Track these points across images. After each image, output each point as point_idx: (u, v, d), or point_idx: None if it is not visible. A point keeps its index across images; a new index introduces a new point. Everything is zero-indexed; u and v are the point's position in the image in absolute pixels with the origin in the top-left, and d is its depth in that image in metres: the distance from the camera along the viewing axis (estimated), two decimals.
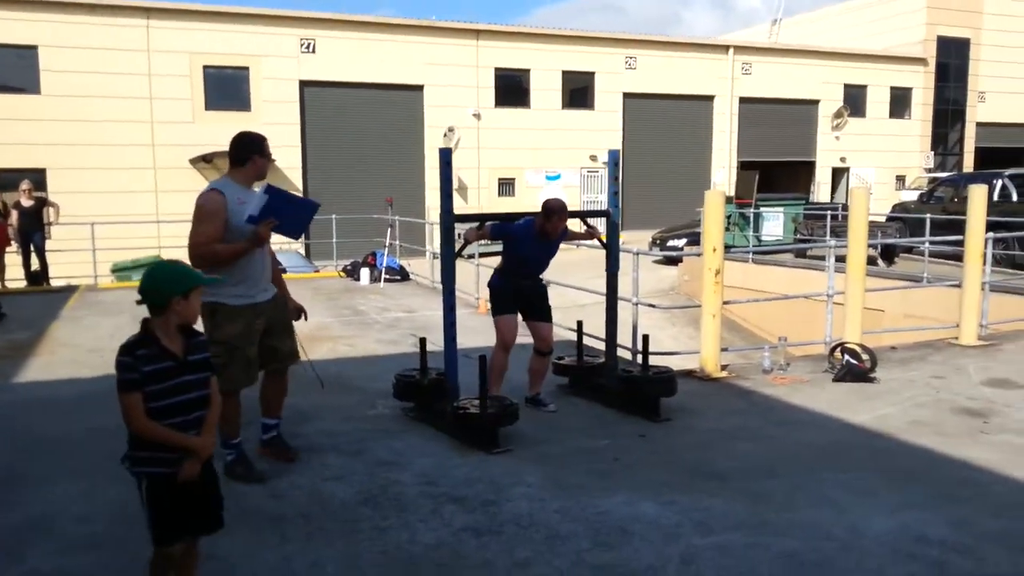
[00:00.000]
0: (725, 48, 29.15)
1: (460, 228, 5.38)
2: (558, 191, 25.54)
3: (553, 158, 26.44)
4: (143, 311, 2.69)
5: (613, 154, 5.99)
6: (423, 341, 5.83)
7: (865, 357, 6.73)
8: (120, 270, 16.68)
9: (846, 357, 6.72)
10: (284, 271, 6.00)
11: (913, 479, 4.41)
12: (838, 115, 30.77)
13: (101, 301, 11.53)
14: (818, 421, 5.60)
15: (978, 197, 8.06)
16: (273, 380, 4.63)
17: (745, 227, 19.18)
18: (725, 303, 7.16)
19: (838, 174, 31.57)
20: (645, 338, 6.01)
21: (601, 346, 6.46)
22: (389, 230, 13.98)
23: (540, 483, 4.33)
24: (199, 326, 2.88)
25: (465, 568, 3.36)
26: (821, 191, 30.96)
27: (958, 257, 8.36)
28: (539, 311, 5.80)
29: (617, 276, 6.09)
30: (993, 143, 33.72)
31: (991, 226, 8.97)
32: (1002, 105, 33.66)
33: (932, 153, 32.37)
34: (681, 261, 18.50)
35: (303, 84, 23.19)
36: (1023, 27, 33.37)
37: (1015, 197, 15.26)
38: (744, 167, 27.07)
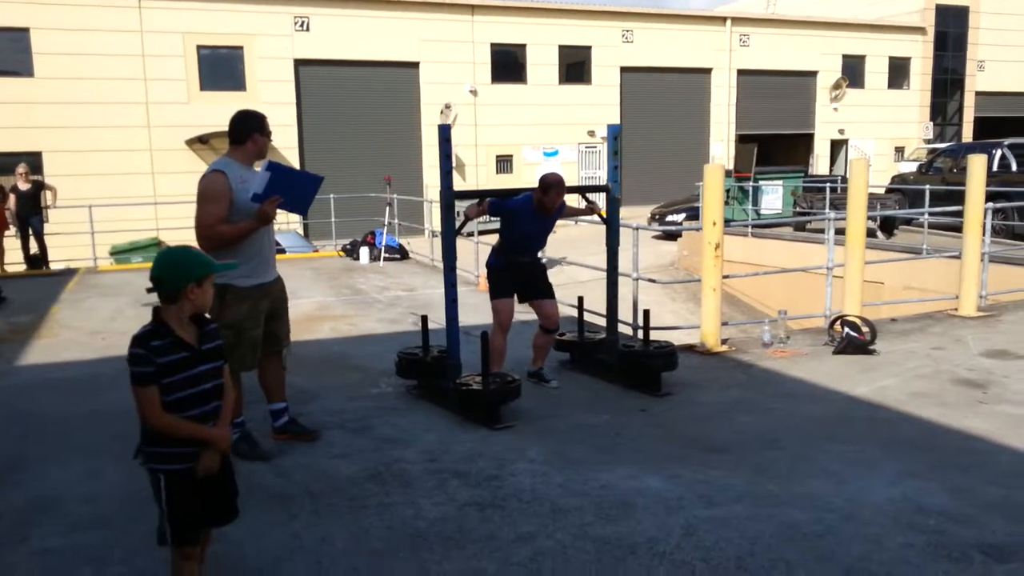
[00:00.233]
0: (723, 20, 28.92)
1: (460, 205, 5.38)
2: (556, 167, 25.45)
3: (551, 134, 26.32)
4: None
5: (613, 128, 5.97)
6: (425, 319, 5.85)
7: (865, 329, 6.76)
8: (119, 252, 16.69)
9: (846, 329, 6.74)
10: (282, 251, 6.04)
11: (913, 449, 4.44)
12: (836, 86, 30.60)
13: (101, 283, 11.54)
14: (818, 393, 5.64)
15: (977, 167, 8.04)
16: (270, 364, 4.63)
17: (744, 201, 19.15)
18: (725, 277, 7.17)
19: (837, 146, 31.46)
20: (646, 313, 6.03)
21: (602, 322, 6.48)
22: (388, 208, 13.96)
23: (543, 458, 4.37)
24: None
25: (469, 542, 3.39)
26: (820, 163, 30.87)
27: (957, 228, 8.36)
28: (540, 289, 5.79)
29: (618, 251, 6.10)
30: (993, 112, 33.57)
31: (990, 196, 8.96)
32: (1001, 74, 33.46)
33: (931, 123, 32.23)
34: (680, 236, 18.49)
35: (298, 63, 23.03)
36: None
37: (1015, 167, 15.23)
38: (742, 140, 26.96)
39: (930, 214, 13.49)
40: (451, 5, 24.68)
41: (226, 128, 4.52)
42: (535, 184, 5.58)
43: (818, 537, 3.38)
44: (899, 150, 31.65)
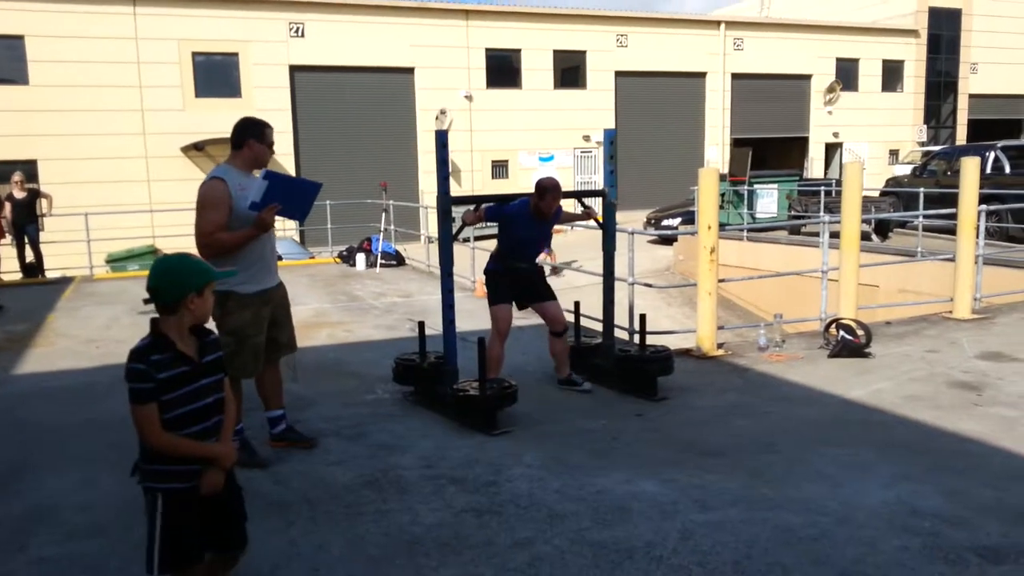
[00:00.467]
0: (716, 24, 28.99)
1: (457, 211, 5.40)
2: (552, 172, 25.49)
3: (546, 139, 26.36)
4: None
5: (609, 133, 5.99)
6: (422, 325, 5.86)
7: (860, 332, 6.79)
8: (115, 260, 16.67)
9: (841, 333, 6.77)
10: (280, 258, 6.04)
11: (908, 452, 4.46)
12: (830, 89, 30.70)
13: (97, 292, 11.53)
14: (814, 397, 5.65)
15: (970, 170, 8.08)
16: (269, 371, 4.64)
17: (739, 204, 19.19)
18: (720, 281, 7.19)
19: (831, 149, 31.54)
20: (642, 317, 6.05)
21: (599, 326, 6.49)
22: (384, 215, 13.97)
23: (540, 463, 4.38)
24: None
25: (466, 547, 3.40)
26: (814, 167, 30.95)
27: (952, 231, 8.40)
28: (540, 293, 5.79)
29: (614, 256, 6.12)
30: (986, 115, 33.69)
31: (984, 199, 8.99)
32: (994, 76, 33.59)
33: (925, 126, 32.34)
34: (676, 240, 18.52)
35: (293, 69, 23.04)
36: None
37: (1008, 169, 15.28)
38: (737, 144, 27.04)
39: (924, 217, 13.54)
40: (445, 10, 24.72)
41: (221, 135, 4.55)
42: (531, 189, 5.60)
43: (813, 540, 3.39)
44: (893, 153, 31.75)
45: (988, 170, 15.01)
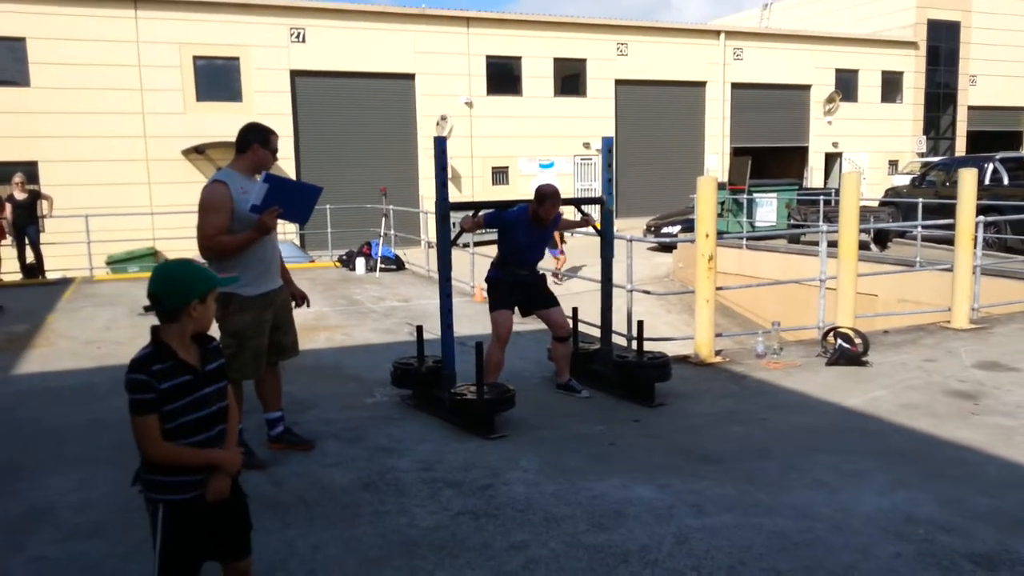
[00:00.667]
0: (716, 33, 29.09)
1: (455, 216, 5.42)
2: (552, 179, 25.53)
3: (546, 146, 26.41)
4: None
5: (607, 141, 6.03)
6: (420, 329, 5.88)
7: (858, 341, 6.81)
8: (115, 262, 16.71)
9: (839, 341, 6.79)
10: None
11: (904, 460, 4.48)
12: (830, 100, 30.79)
13: (97, 293, 11.55)
14: (811, 404, 5.67)
15: (968, 181, 8.12)
16: (269, 373, 4.66)
17: (739, 213, 19.24)
18: (718, 289, 7.22)
19: (831, 159, 31.62)
20: (640, 324, 6.07)
21: (597, 333, 6.51)
22: (383, 219, 14.00)
23: (536, 467, 4.39)
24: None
25: (463, 550, 3.42)
26: (814, 176, 31.03)
27: (950, 241, 8.43)
28: (543, 299, 5.80)
29: (612, 263, 6.14)
30: (985, 126, 33.80)
31: (982, 210, 9.03)
32: (993, 88, 33.71)
33: (924, 137, 32.43)
34: (676, 248, 18.56)
35: (294, 74, 23.10)
36: (1013, 9, 33.40)
37: (1006, 181, 15.34)
38: (737, 153, 27.10)
39: (923, 227, 13.58)
40: (447, 17, 24.80)
41: (222, 138, 4.59)
42: (531, 196, 5.63)
43: (808, 546, 3.41)
44: (893, 163, 31.83)
45: (987, 181, 15.09)
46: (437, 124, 24.53)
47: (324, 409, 5.62)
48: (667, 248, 19.76)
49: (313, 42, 23.13)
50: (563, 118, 26.45)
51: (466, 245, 10.74)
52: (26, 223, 12.79)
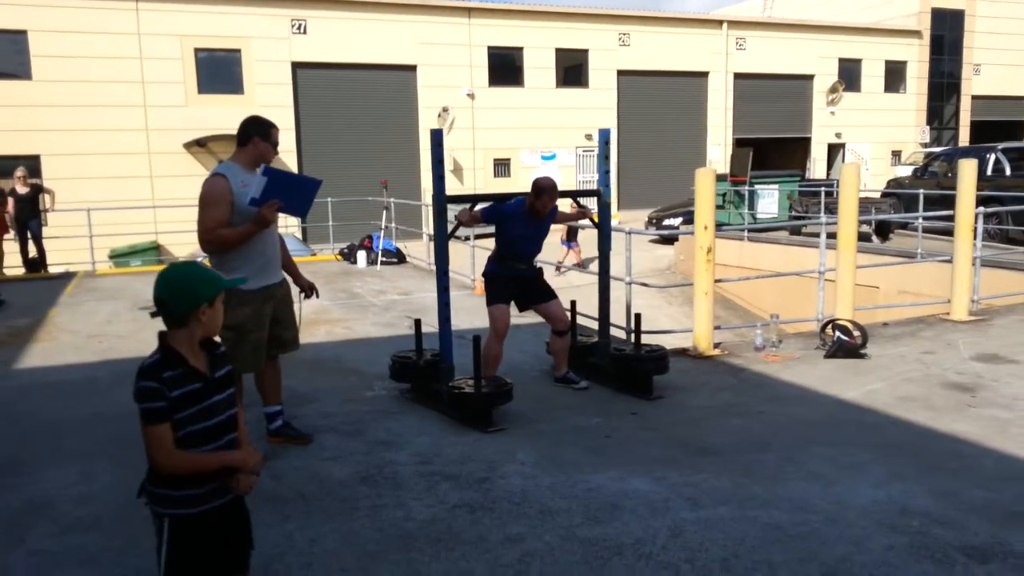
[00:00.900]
0: (719, 23, 28.99)
1: (452, 209, 5.43)
2: (554, 171, 25.51)
3: (548, 137, 26.38)
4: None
5: (604, 133, 6.02)
6: (418, 322, 5.90)
7: (856, 333, 6.81)
8: (118, 256, 16.76)
9: (837, 334, 6.80)
10: None
11: (900, 453, 4.49)
12: (833, 90, 30.69)
13: (99, 287, 11.58)
14: (808, 397, 5.69)
15: (968, 172, 8.10)
16: (269, 367, 4.68)
17: (740, 205, 19.21)
18: (717, 281, 7.22)
19: (834, 150, 31.53)
20: (637, 317, 6.08)
21: (595, 325, 6.53)
22: (384, 212, 14.01)
23: (533, 460, 4.42)
24: None
25: (459, 543, 3.44)
26: (817, 167, 30.95)
27: (952, 232, 8.42)
28: (541, 293, 5.81)
29: (609, 256, 6.15)
30: (989, 116, 33.67)
31: (984, 200, 9.01)
32: (997, 77, 33.57)
33: (928, 127, 32.32)
34: (677, 240, 18.55)
35: (295, 66, 23.08)
36: None
37: (1008, 171, 15.28)
38: (739, 144, 27.04)
39: (924, 218, 13.55)
40: (448, 8, 24.74)
41: (224, 131, 4.62)
42: None
43: (802, 538, 3.43)
44: (896, 154, 31.74)
45: (989, 172, 15.03)
46: (439, 116, 24.50)
47: (323, 403, 5.65)
48: (669, 240, 19.74)
49: (314, 34, 23.10)
50: (565, 109, 26.40)
51: (466, 238, 10.74)
52: (28, 217, 12.82)
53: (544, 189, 5.48)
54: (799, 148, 31.18)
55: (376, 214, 14.96)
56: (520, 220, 5.61)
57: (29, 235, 12.98)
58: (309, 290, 4.79)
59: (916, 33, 31.78)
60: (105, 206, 16.06)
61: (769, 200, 19.27)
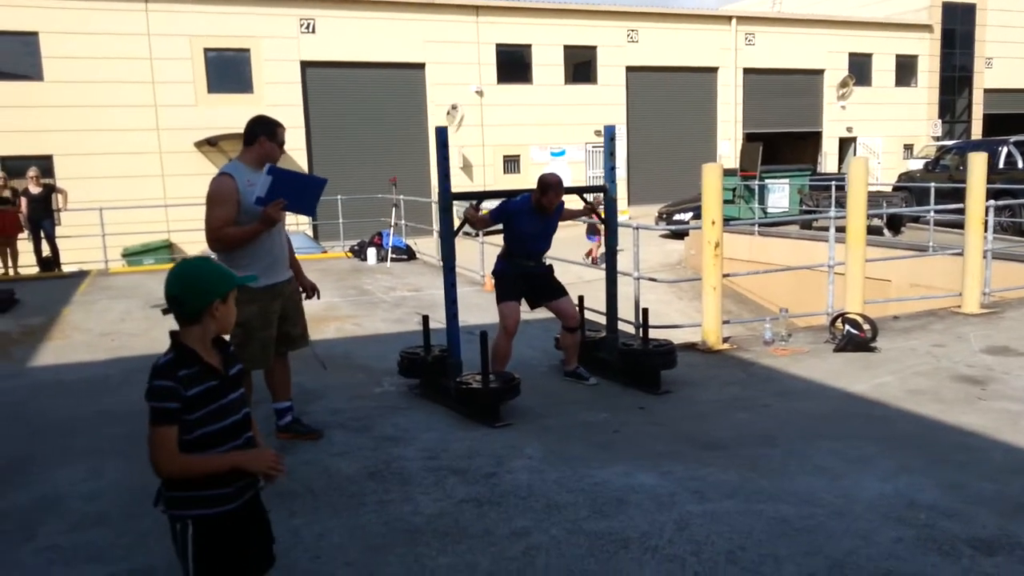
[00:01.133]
0: (728, 18, 28.87)
1: (459, 206, 5.44)
2: (563, 167, 25.50)
3: (557, 134, 26.35)
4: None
5: (609, 129, 6.02)
6: (426, 318, 5.92)
7: (866, 327, 6.79)
8: (131, 255, 16.87)
9: (847, 327, 6.77)
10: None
11: (908, 445, 4.47)
12: (843, 84, 30.51)
13: (112, 285, 11.66)
14: (817, 391, 5.67)
15: (978, 165, 8.04)
16: (278, 363, 4.71)
17: (750, 199, 19.15)
18: (726, 276, 7.20)
19: (845, 144, 31.37)
20: (645, 311, 6.08)
21: (604, 320, 6.53)
22: (394, 210, 14.04)
23: (540, 455, 4.42)
24: None
25: (465, 537, 3.46)
26: (828, 162, 30.79)
27: (963, 225, 8.36)
28: (551, 290, 5.81)
29: (616, 251, 6.15)
30: (1001, 109, 33.39)
31: (997, 193, 8.94)
32: (1009, 71, 33.28)
33: (940, 121, 32.09)
34: (688, 234, 18.51)
35: (304, 65, 23.14)
36: None
37: (1021, 164, 15.17)
38: (750, 139, 26.93)
39: (936, 211, 13.47)
40: (456, 6, 24.75)
41: (234, 130, 4.63)
42: None
43: (808, 532, 3.42)
44: (908, 148, 31.54)
45: (1001, 165, 14.93)
46: (448, 113, 24.52)
47: (332, 399, 5.68)
48: (679, 235, 19.70)
49: (323, 33, 23.16)
50: (574, 106, 26.37)
51: (476, 234, 10.75)
52: (41, 217, 12.93)
53: (550, 185, 5.48)
54: (810, 142, 31.04)
55: (386, 211, 14.98)
56: (527, 217, 5.62)
57: (42, 234, 13.09)
58: (311, 291, 4.83)
59: (927, 27, 31.55)
60: (117, 205, 16.17)
61: (780, 194, 19.21)
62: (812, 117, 30.84)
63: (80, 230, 14.85)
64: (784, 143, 29.94)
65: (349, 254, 14.53)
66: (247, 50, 22.44)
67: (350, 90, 23.92)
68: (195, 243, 18.46)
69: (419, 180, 23.72)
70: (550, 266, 6.01)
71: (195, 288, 2.20)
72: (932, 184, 14.98)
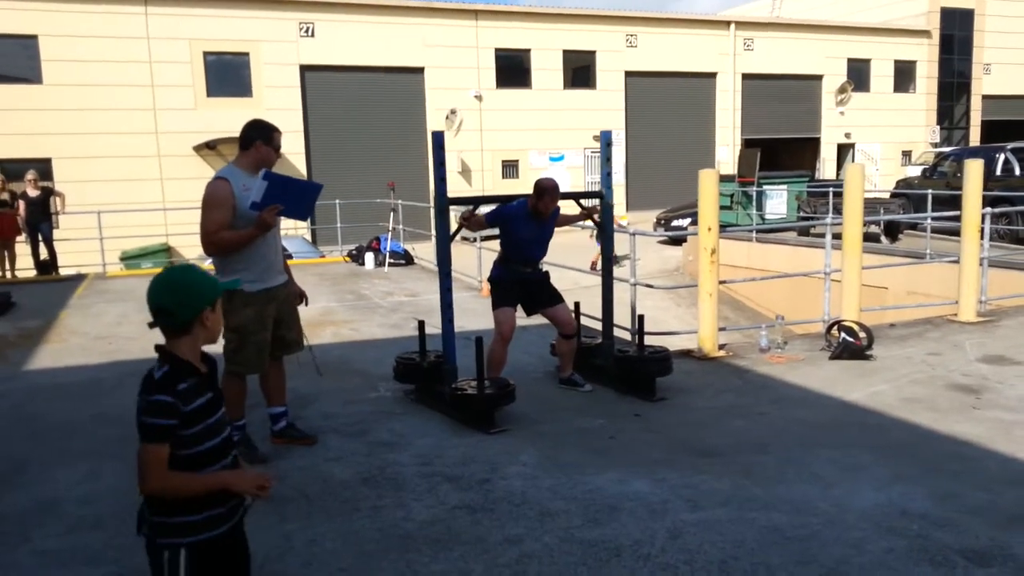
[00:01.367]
0: (727, 24, 28.93)
1: (455, 210, 5.45)
2: (562, 172, 25.54)
3: (556, 139, 26.39)
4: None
5: (605, 135, 6.04)
6: (422, 324, 5.92)
7: (862, 335, 6.80)
8: (129, 258, 16.88)
9: (842, 335, 6.78)
10: (290, 257, 6.20)
11: (902, 454, 4.48)
12: (842, 90, 30.58)
13: (109, 289, 11.66)
14: (812, 399, 5.68)
15: (974, 172, 8.06)
16: (273, 367, 4.72)
17: (748, 205, 19.17)
18: (722, 282, 7.21)
19: (843, 150, 31.41)
20: (641, 318, 6.09)
21: (600, 327, 6.53)
22: (392, 214, 14.05)
23: (535, 462, 4.43)
24: None
25: (458, 544, 3.46)
26: (827, 168, 30.84)
27: (960, 233, 8.38)
28: (548, 297, 5.80)
29: (612, 257, 6.16)
30: (1000, 116, 33.46)
31: (994, 201, 8.95)
32: (1008, 77, 33.36)
33: (938, 127, 32.15)
34: (686, 240, 18.52)
35: (303, 69, 23.18)
36: None
37: (1018, 171, 15.20)
38: (748, 144, 26.97)
39: (933, 219, 13.49)
40: (455, 10, 24.79)
41: (233, 134, 4.64)
42: None
43: (801, 541, 3.43)
44: (906, 154, 31.58)
45: (998, 172, 14.96)
46: (447, 118, 24.55)
47: (328, 404, 5.68)
48: (677, 241, 19.72)
49: (322, 37, 23.20)
50: (573, 111, 26.41)
51: (473, 240, 10.76)
52: (39, 220, 12.93)
53: (546, 190, 5.49)
54: (809, 148, 31.08)
55: (384, 216, 15.00)
56: (523, 222, 5.62)
57: (40, 238, 13.08)
58: (299, 298, 4.85)
59: (925, 33, 31.63)
60: (115, 208, 16.18)
61: (777, 200, 19.23)
62: (810, 123, 30.89)
63: (78, 233, 14.87)
64: (782, 149, 29.99)
65: (347, 259, 14.54)
66: (246, 54, 22.47)
67: (349, 94, 23.95)
68: (193, 247, 18.37)
69: (418, 185, 23.74)
70: (546, 273, 6.01)
71: (185, 298, 2.12)
72: (929, 191, 15.00)
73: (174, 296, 2.11)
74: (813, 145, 31.11)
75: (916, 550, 3.34)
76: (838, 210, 15.47)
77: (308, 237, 19.98)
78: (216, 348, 2.65)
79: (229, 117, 20.53)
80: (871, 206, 15.67)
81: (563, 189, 5.68)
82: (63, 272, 13.53)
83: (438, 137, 5.16)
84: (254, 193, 4.28)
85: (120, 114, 21.02)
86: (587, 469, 4.30)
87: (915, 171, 23.57)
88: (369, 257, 13.64)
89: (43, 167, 18.70)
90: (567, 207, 5.92)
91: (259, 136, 4.48)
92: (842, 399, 5.59)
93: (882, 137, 31.55)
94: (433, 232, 14.89)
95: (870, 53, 30.98)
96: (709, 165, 25.97)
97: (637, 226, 16.62)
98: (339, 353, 7.40)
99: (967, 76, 32.94)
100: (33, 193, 12.82)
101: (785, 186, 19.26)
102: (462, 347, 5.63)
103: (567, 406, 5.60)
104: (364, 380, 6.35)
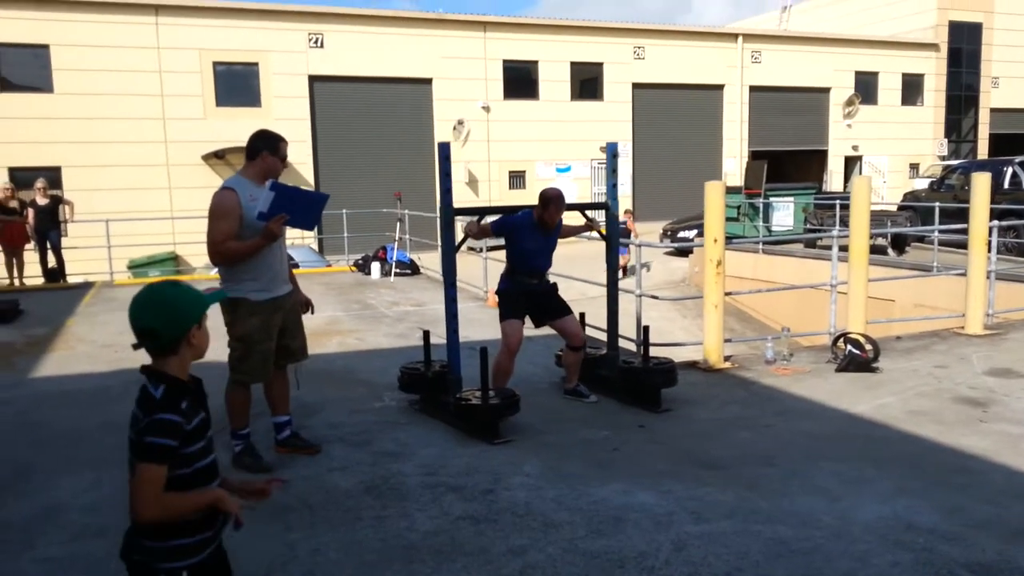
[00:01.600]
0: (734, 36, 28.99)
1: (460, 221, 5.46)
2: (569, 183, 25.56)
3: (563, 150, 26.44)
4: None
5: (611, 146, 6.05)
6: (427, 334, 5.93)
7: (868, 347, 6.77)
8: (137, 266, 16.96)
9: (848, 347, 6.76)
10: (296, 266, 6.22)
11: (908, 468, 4.46)
12: (849, 103, 30.57)
13: (117, 297, 11.70)
14: (817, 411, 5.66)
15: (981, 185, 8.05)
16: (277, 377, 4.73)
17: (755, 217, 19.16)
18: (728, 294, 7.21)
19: (851, 163, 31.38)
20: (646, 329, 6.08)
21: (605, 337, 6.53)
22: (398, 224, 14.09)
23: (539, 473, 4.42)
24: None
25: (461, 555, 3.45)
26: (833, 180, 30.80)
27: (968, 245, 8.36)
28: (556, 309, 5.79)
29: (617, 268, 6.16)
30: (1008, 129, 33.39)
31: (1001, 214, 8.93)
32: (1016, 90, 33.30)
33: (946, 140, 32.10)
34: (692, 252, 18.51)
35: (312, 79, 23.30)
36: None
37: None
38: (755, 156, 26.97)
39: (940, 231, 13.45)
40: (464, 22, 24.91)
41: (242, 144, 4.66)
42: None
43: (805, 554, 3.41)
44: (914, 167, 31.54)
45: (1006, 185, 14.92)
46: (454, 129, 24.63)
47: (332, 413, 5.68)
48: (684, 252, 19.71)
49: (331, 47, 23.33)
50: (580, 122, 26.46)
51: (480, 250, 10.78)
52: (48, 228, 13.01)
53: (551, 200, 5.50)
54: (816, 161, 31.06)
55: (391, 226, 15.04)
56: (529, 232, 5.63)
57: (48, 246, 13.16)
58: (305, 306, 4.88)
59: (933, 46, 31.63)
60: (124, 217, 16.26)
61: (784, 212, 19.20)
62: (818, 135, 30.89)
63: (86, 241, 14.93)
64: (789, 161, 29.97)
65: (353, 268, 14.57)
66: (256, 64, 22.61)
67: (357, 105, 24.06)
68: (200, 256, 18.53)
69: (424, 195, 23.79)
70: (554, 284, 6.00)
71: (171, 317, 2.04)
72: (937, 204, 14.96)
73: (159, 316, 2.04)
74: (820, 157, 31.09)
75: (922, 564, 3.31)
76: (845, 222, 15.49)
77: (315, 246, 20.05)
78: (213, 359, 2.66)
79: (238, 127, 20.64)
80: (878, 218, 15.64)
81: (569, 200, 5.69)
82: (71, 280, 13.60)
83: (444, 148, 5.18)
84: (261, 204, 4.31)
85: (129, 123, 21.16)
86: (591, 480, 4.29)
87: (923, 184, 23.54)
88: (375, 267, 13.67)
89: (52, 175, 18.80)
90: (570, 219, 5.93)
91: (265, 146, 4.50)
92: (848, 411, 5.57)
93: (890, 150, 31.51)
94: (439, 242, 14.96)
95: (878, 66, 30.98)
96: (716, 177, 25.96)
97: (643, 238, 16.60)
98: (344, 363, 7.41)
99: (975, 89, 32.91)
100: (42, 201, 12.90)
101: (792, 198, 19.24)
102: (467, 357, 5.63)
103: (572, 417, 5.59)
104: (369, 390, 6.36)
